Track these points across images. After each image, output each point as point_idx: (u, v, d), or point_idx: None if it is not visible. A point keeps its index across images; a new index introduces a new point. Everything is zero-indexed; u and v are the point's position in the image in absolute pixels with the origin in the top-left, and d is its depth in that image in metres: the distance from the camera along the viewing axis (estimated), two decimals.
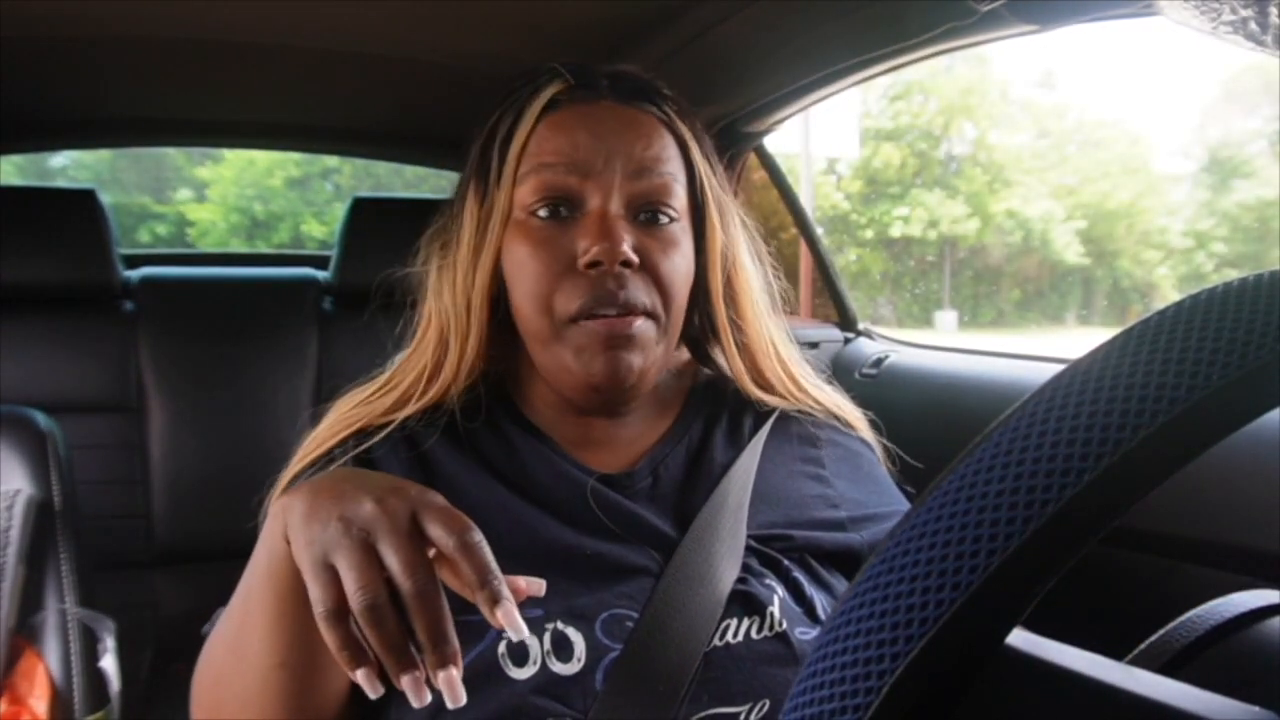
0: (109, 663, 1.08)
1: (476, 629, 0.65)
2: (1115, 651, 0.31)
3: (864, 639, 0.24)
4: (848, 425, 0.82)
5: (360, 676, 0.50)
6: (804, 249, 1.86)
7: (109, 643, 1.09)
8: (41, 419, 1.15)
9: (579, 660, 0.64)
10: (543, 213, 0.69)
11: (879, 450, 0.83)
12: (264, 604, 0.60)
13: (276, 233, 8.62)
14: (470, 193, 0.73)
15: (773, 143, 1.64)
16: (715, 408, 0.80)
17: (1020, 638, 0.28)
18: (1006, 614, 0.25)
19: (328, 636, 0.50)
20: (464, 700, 0.50)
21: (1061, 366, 0.25)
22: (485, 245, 0.71)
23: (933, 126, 9.88)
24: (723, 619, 0.65)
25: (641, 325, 0.68)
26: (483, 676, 0.63)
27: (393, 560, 0.50)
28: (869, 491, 0.77)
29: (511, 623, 0.49)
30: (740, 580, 0.67)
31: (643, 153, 0.70)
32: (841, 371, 1.63)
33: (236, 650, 0.63)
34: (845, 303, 1.73)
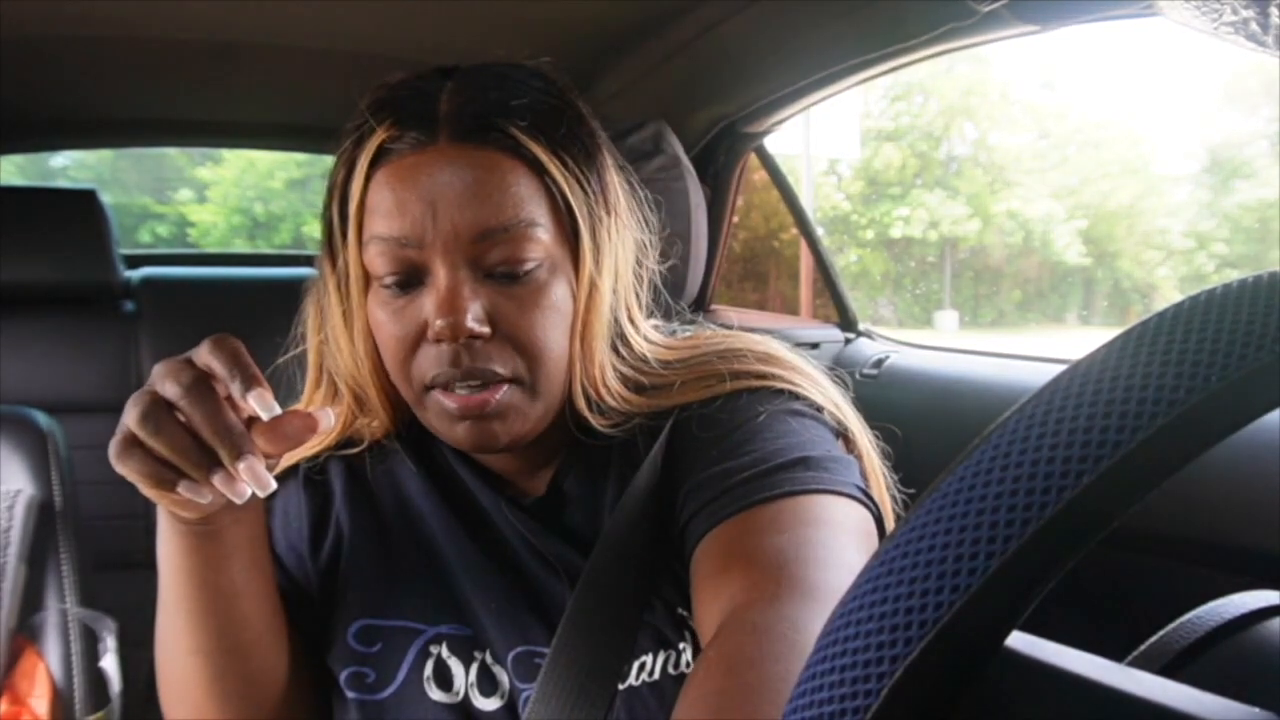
0: (110, 663, 1.08)
1: (403, 637, 0.67)
2: (1115, 653, 0.31)
3: (863, 641, 0.24)
4: (740, 385, 0.69)
5: (183, 488, 0.52)
6: (804, 249, 1.86)
7: (110, 643, 1.09)
8: (42, 419, 1.15)
9: (501, 697, 0.65)
10: (390, 283, 0.64)
11: (798, 391, 0.69)
12: (168, 590, 0.63)
13: (278, 233, 8.62)
14: (325, 260, 0.68)
15: (773, 143, 1.64)
16: (613, 428, 0.71)
17: (1020, 639, 0.28)
18: (1005, 616, 0.25)
19: (122, 471, 0.52)
20: (272, 486, 0.53)
21: (1062, 367, 0.25)
22: (353, 311, 0.67)
23: (933, 127, 9.88)
24: (639, 654, 0.63)
25: (503, 396, 0.63)
26: (409, 700, 0.65)
27: (162, 385, 0.53)
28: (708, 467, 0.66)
29: (263, 406, 0.52)
30: (651, 610, 0.65)
31: (484, 208, 0.61)
32: (842, 372, 1.62)
33: (162, 644, 0.66)
34: (846, 303, 1.73)
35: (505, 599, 0.67)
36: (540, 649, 0.65)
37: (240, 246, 8.45)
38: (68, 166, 6.57)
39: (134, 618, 1.32)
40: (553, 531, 0.69)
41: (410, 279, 0.63)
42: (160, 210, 8.38)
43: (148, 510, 1.59)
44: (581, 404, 0.67)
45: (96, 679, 1.08)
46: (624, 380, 0.69)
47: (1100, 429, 0.23)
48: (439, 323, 0.61)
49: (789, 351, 0.73)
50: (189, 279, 1.71)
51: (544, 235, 0.64)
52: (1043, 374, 1.24)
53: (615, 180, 0.69)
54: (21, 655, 1.04)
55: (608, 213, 0.67)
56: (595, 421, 0.68)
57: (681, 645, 0.64)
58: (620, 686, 0.62)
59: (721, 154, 1.60)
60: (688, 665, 0.64)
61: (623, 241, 0.69)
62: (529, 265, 0.63)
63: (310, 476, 0.74)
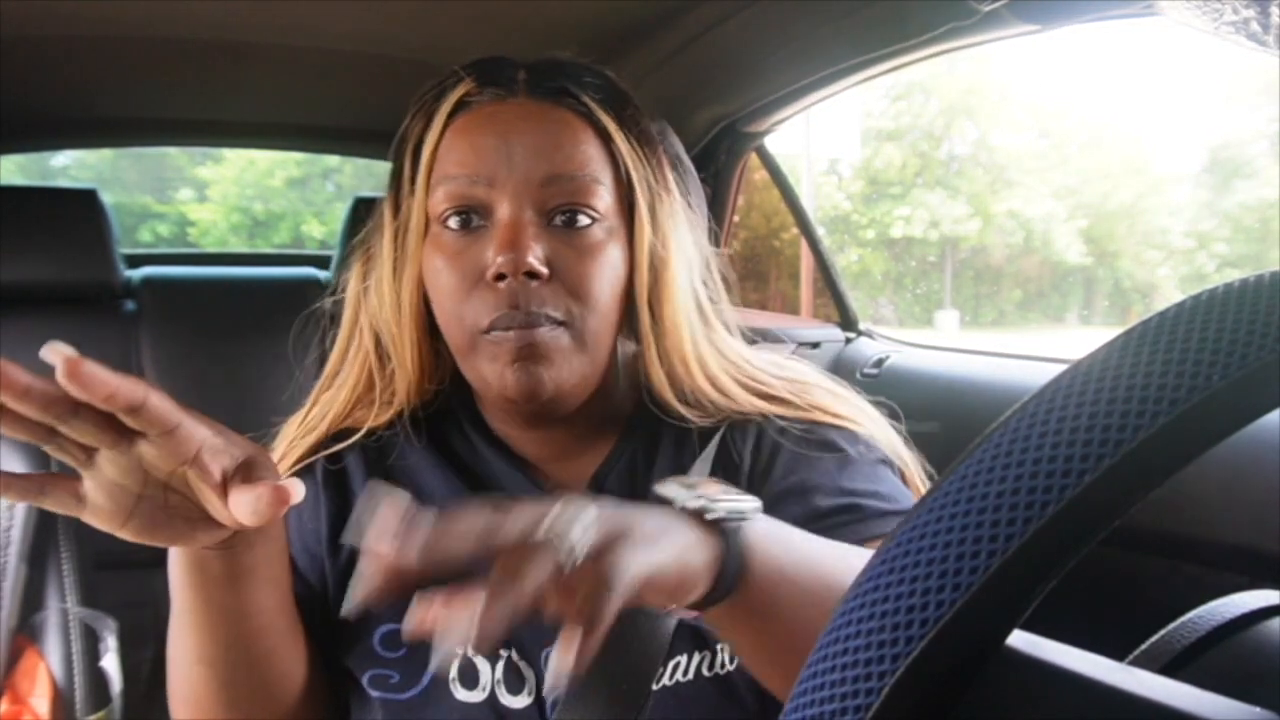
0: (110, 662, 1.08)
1: (426, 654, 0.66)
2: (1116, 652, 0.31)
3: (864, 639, 0.24)
4: (820, 417, 0.72)
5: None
6: (805, 249, 1.86)
7: (110, 642, 1.09)
8: None
9: (529, 694, 0.64)
10: (453, 223, 0.65)
11: (870, 436, 0.72)
12: (178, 601, 0.62)
13: (277, 232, 8.62)
14: (386, 207, 0.70)
15: (774, 143, 1.64)
16: (664, 419, 0.72)
17: (1020, 638, 0.28)
18: (1007, 614, 0.25)
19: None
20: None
21: (1063, 367, 0.25)
22: (405, 259, 0.68)
23: (934, 127, 9.87)
24: (673, 655, 0.63)
25: (550, 334, 0.64)
26: (432, 702, 0.64)
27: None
28: (796, 479, 0.69)
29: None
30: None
31: (555, 155, 0.65)
32: (843, 372, 1.62)
33: (171, 650, 0.65)
34: (846, 303, 1.73)
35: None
36: None
37: (238, 245, 8.45)
38: (68, 166, 6.57)
39: (134, 617, 1.32)
40: None
41: (474, 218, 0.65)
42: (161, 209, 8.38)
43: None
44: (660, 379, 0.69)
45: (97, 678, 1.08)
46: (723, 371, 0.71)
47: (1102, 428, 0.23)
48: (501, 258, 0.62)
49: (845, 389, 0.75)
50: (189, 279, 1.71)
51: (606, 195, 0.67)
52: (1043, 374, 1.24)
53: (673, 177, 0.72)
54: (22, 655, 1.04)
55: (667, 193, 0.71)
56: (682, 410, 0.69)
57: (719, 645, 0.64)
58: (654, 687, 0.62)
59: (722, 154, 1.60)
60: (722, 666, 0.64)
61: (682, 227, 0.72)
62: (591, 212, 0.66)
63: (328, 471, 0.73)
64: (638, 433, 0.72)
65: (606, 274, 0.66)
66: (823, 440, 0.70)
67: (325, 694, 0.69)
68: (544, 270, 0.63)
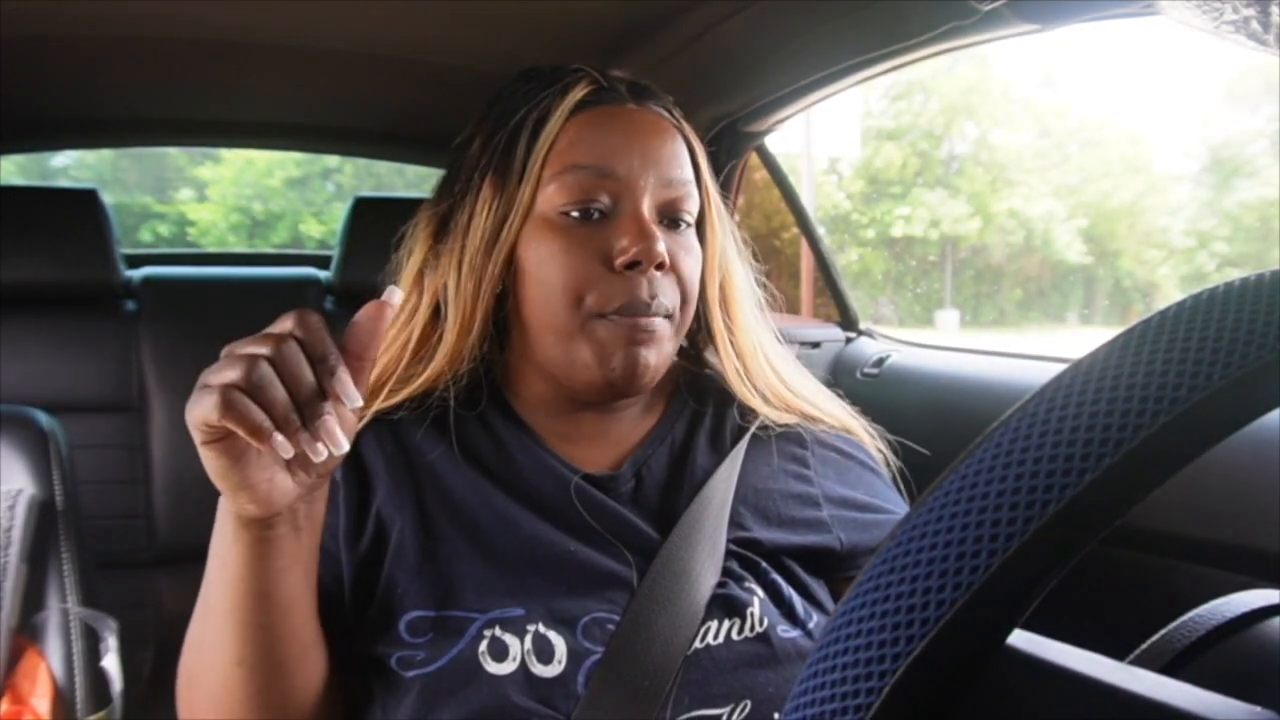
0: (111, 662, 1.08)
1: (455, 626, 0.66)
2: (1116, 651, 0.31)
3: (865, 639, 0.24)
4: (843, 429, 0.81)
5: (278, 443, 0.51)
6: (805, 248, 1.86)
7: (111, 642, 1.09)
8: (43, 418, 1.15)
9: (560, 663, 0.65)
10: (575, 213, 0.69)
11: (877, 456, 0.82)
12: (218, 598, 0.61)
13: (276, 232, 8.62)
14: (486, 186, 0.72)
15: (774, 142, 1.64)
16: (699, 408, 0.80)
17: (1021, 637, 0.28)
18: (1008, 614, 0.25)
19: (227, 420, 0.51)
20: (344, 447, 0.53)
21: (1063, 366, 0.25)
22: (501, 239, 0.71)
23: (934, 126, 9.86)
24: (703, 621, 0.66)
25: (660, 324, 0.69)
26: (463, 674, 0.64)
27: (257, 348, 0.52)
28: (856, 492, 0.77)
29: (344, 391, 0.53)
30: (720, 584, 0.68)
31: (668, 159, 0.72)
32: (843, 371, 1.63)
33: (200, 649, 0.64)
34: (847, 302, 1.73)
35: (568, 574, 0.68)
36: (605, 616, 0.66)
37: (237, 245, 8.45)
38: (69, 166, 6.57)
39: (134, 617, 1.32)
40: (624, 507, 0.72)
41: (597, 210, 0.69)
42: (161, 209, 8.38)
43: (148, 510, 1.59)
44: (732, 374, 0.76)
45: (98, 678, 1.08)
46: (785, 363, 0.79)
47: (1103, 427, 0.23)
48: (635, 248, 0.67)
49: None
50: (190, 278, 1.71)
51: (694, 202, 0.74)
52: (1044, 373, 1.24)
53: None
54: (23, 655, 1.04)
55: (722, 203, 0.79)
56: (754, 401, 0.77)
57: (749, 611, 0.67)
58: (687, 651, 0.65)
59: (722, 153, 1.60)
60: (751, 630, 0.67)
61: (731, 234, 0.79)
62: (689, 216, 0.73)
63: (346, 464, 0.72)
64: (676, 422, 0.78)
65: (698, 273, 0.73)
66: (853, 451, 0.79)
67: (337, 709, 0.69)
68: (668, 261, 0.69)
